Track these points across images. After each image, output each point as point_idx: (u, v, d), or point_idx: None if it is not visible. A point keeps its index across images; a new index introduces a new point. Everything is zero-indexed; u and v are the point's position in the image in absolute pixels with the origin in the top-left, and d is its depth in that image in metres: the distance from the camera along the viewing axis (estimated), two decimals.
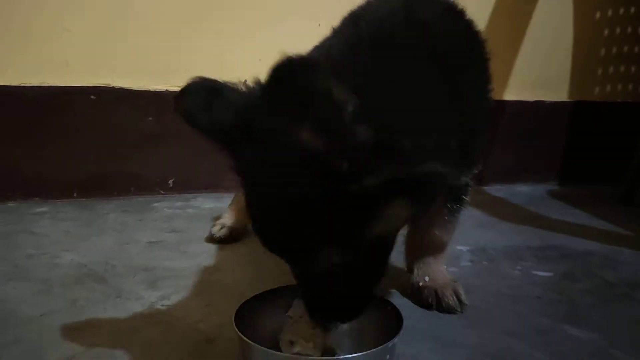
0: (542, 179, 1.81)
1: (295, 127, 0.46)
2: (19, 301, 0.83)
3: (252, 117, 0.55)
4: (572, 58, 1.78)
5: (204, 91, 0.58)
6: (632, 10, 1.78)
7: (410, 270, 0.89)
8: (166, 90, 1.42)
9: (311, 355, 0.64)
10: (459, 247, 1.12)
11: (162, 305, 0.83)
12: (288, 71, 0.43)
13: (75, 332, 0.74)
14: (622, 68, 1.84)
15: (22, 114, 1.33)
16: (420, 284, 0.85)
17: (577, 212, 1.47)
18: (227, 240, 1.10)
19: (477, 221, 1.34)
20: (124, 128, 1.42)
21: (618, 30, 1.80)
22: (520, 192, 1.70)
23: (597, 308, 0.88)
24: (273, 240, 0.58)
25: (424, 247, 0.87)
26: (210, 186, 1.47)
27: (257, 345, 0.60)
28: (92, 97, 1.38)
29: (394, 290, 0.90)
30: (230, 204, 1.18)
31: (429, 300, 0.84)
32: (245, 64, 1.54)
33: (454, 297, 0.83)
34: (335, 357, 0.64)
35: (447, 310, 0.83)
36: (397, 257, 0.92)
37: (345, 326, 0.67)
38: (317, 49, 0.67)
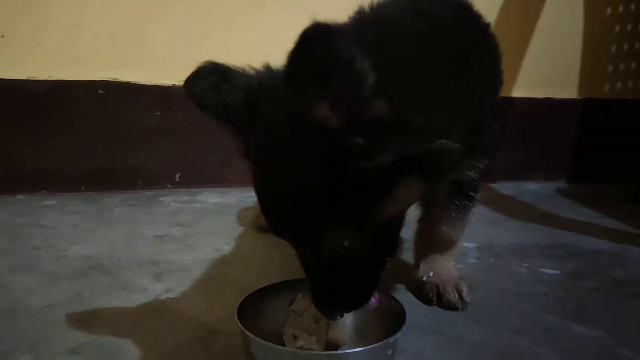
0: (551, 176, 1.80)
1: (313, 101, 0.46)
2: (26, 292, 0.83)
3: (263, 96, 0.55)
4: (581, 55, 1.77)
5: (214, 75, 0.58)
6: None
7: (417, 265, 0.88)
8: (173, 85, 1.42)
9: (314, 350, 0.64)
10: (465, 244, 1.11)
11: (167, 298, 0.84)
12: (314, 35, 0.42)
13: (80, 323, 0.75)
14: (633, 65, 1.82)
15: (30, 108, 1.34)
16: (424, 279, 0.85)
17: (586, 210, 1.46)
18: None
19: (485, 218, 1.33)
20: (131, 122, 1.42)
21: (629, 27, 1.78)
22: (528, 189, 1.69)
23: (604, 306, 0.87)
24: (282, 222, 0.57)
25: (431, 243, 0.86)
26: (217, 181, 1.47)
27: (259, 339, 0.60)
28: (99, 91, 1.38)
29: (399, 286, 0.90)
30: None
31: (430, 295, 0.83)
32: (254, 59, 1.54)
33: (455, 294, 0.82)
34: (338, 352, 0.64)
35: (448, 306, 0.82)
36: (406, 253, 0.92)
37: (348, 321, 0.67)
38: None
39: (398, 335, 0.62)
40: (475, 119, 0.65)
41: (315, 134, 0.48)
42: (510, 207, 1.45)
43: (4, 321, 0.75)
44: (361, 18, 0.64)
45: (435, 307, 0.84)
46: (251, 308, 0.66)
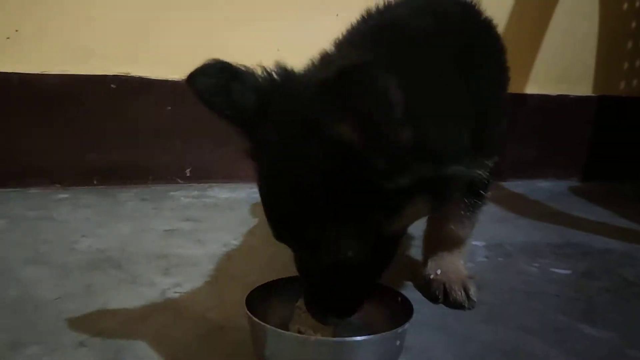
0: (564, 175, 1.78)
1: (339, 118, 0.46)
2: (37, 285, 0.84)
3: (276, 98, 0.55)
4: (597, 51, 1.74)
5: (221, 72, 0.58)
6: None
7: (424, 263, 0.88)
8: (184, 80, 1.42)
9: None
10: (475, 243, 1.10)
11: (175, 292, 0.84)
12: (352, 67, 0.43)
13: (89, 316, 0.75)
14: None
15: (44, 102, 1.35)
16: (431, 276, 0.85)
17: (598, 209, 1.44)
18: None
19: (495, 216, 1.32)
20: (143, 117, 1.43)
21: None
22: (540, 188, 1.67)
23: (615, 307, 0.86)
24: (286, 226, 0.57)
25: (440, 241, 0.86)
26: (226, 176, 1.48)
27: (268, 325, 0.60)
28: (112, 86, 1.39)
29: (407, 283, 0.90)
30: None
31: (437, 293, 0.83)
32: (264, 54, 1.54)
33: (462, 292, 0.82)
34: (347, 339, 0.63)
35: (454, 304, 0.82)
36: (416, 251, 0.92)
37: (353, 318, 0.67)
38: (344, 45, 0.65)
39: (406, 326, 0.62)
40: (483, 118, 0.65)
41: (332, 147, 0.48)
42: (521, 206, 1.44)
43: (15, 312, 0.76)
44: (383, 34, 0.63)
45: (443, 305, 0.83)
46: (258, 302, 0.67)
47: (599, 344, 0.74)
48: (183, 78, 1.57)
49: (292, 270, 0.72)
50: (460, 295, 0.82)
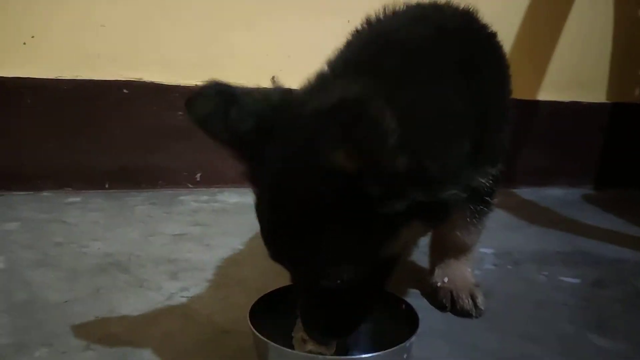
0: (577, 182, 1.76)
1: (334, 148, 0.47)
2: (46, 287, 0.85)
3: (277, 123, 0.55)
4: (611, 57, 1.72)
5: (218, 96, 0.57)
6: None
7: (431, 271, 0.88)
8: (195, 85, 1.43)
9: (323, 354, 0.64)
10: (483, 250, 1.09)
11: (182, 297, 0.85)
12: (348, 100, 0.45)
13: (96, 319, 0.76)
14: None
15: (57, 106, 1.37)
16: (438, 284, 0.84)
17: (611, 217, 1.42)
18: None
19: (504, 224, 1.31)
20: (154, 122, 1.44)
21: None
22: (552, 195, 1.65)
23: (625, 317, 0.85)
24: (283, 251, 0.58)
25: (446, 248, 0.86)
26: (236, 181, 1.47)
27: (271, 342, 0.60)
28: (124, 90, 1.41)
29: (414, 291, 0.89)
30: None
31: (444, 301, 0.83)
32: (275, 60, 1.55)
33: (470, 300, 0.81)
34: (356, 357, 0.63)
35: (461, 312, 0.81)
36: (422, 258, 0.91)
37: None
38: (340, 65, 0.64)
39: (413, 339, 0.62)
40: (485, 127, 0.64)
41: (329, 174, 0.49)
42: (532, 213, 1.42)
43: (23, 314, 0.77)
44: (384, 50, 0.63)
45: (442, 312, 0.83)
46: (263, 310, 0.67)
47: (608, 355, 0.73)
48: (194, 83, 1.59)
49: None
50: (467, 303, 0.82)
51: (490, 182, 0.73)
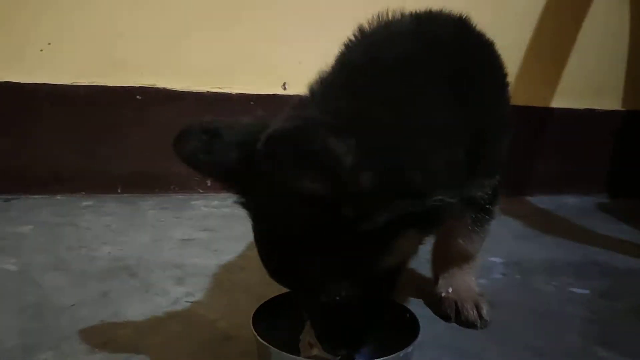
0: (592, 191, 1.73)
1: (296, 175, 0.48)
2: (56, 290, 0.87)
3: (255, 156, 0.55)
4: (626, 64, 1.69)
5: (202, 133, 0.58)
6: None
7: (436, 281, 0.87)
8: (208, 91, 1.46)
9: (327, 359, 0.64)
10: (491, 259, 1.09)
11: (187, 302, 0.86)
12: (288, 136, 0.47)
13: (102, 323, 0.78)
14: None
15: (73, 112, 1.40)
16: (443, 294, 0.84)
17: (625, 228, 1.40)
18: None
19: (515, 232, 1.30)
20: (168, 127, 1.44)
21: None
22: (567, 204, 1.63)
23: (634, 330, 0.84)
24: (280, 273, 0.59)
25: (449, 257, 0.85)
26: None
27: (272, 347, 0.60)
28: (137, 97, 1.43)
29: (418, 300, 0.89)
30: None
31: (448, 311, 0.82)
32: (286, 66, 1.57)
33: (474, 311, 0.80)
34: None
35: (466, 323, 0.81)
36: (426, 267, 0.91)
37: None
38: (318, 89, 0.63)
39: (409, 349, 0.61)
40: (480, 139, 0.64)
41: (308, 199, 0.50)
42: (544, 222, 1.41)
43: (33, 317, 0.78)
44: (366, 60, 0.64)
45: (447, 322, 0.83)
46: (266, 315, 0.67)
47: None
48: (206, 90, 1.60)
49: None
50: (472, 314, 0.81)
51: (489, 193, 0.73)
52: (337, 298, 0.57)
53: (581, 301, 0.94)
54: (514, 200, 1.58)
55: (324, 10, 1.49)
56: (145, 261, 1.01)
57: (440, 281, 0.85)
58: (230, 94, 1.47)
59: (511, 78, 1.81)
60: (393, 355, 0.60)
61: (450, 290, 0.84)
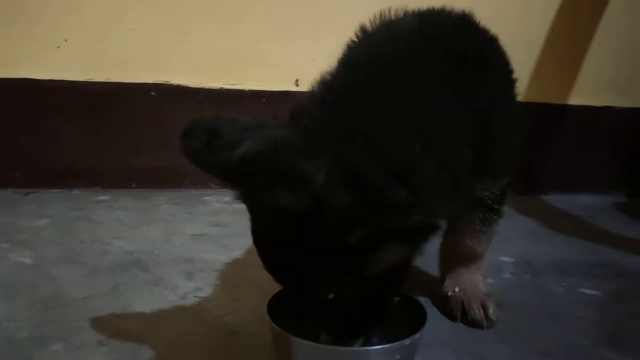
0: (609, 190, 1.70)
1: (272, 194, 0.50)
2: (67, 283, 0.89)
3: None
4: None
5: (202, 132, 0.59)
6: None
7: (442, 280, 0.87)
8: (221, 87, 1.46)
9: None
10: (502, 258, 1.08)
11: (195, 297, 0.87)
12: (258, 159, 0.50)
13: (111, 316, 0.79)
14: None
15: (88, 108, 1.42)
16: (449, 293, 0.83)
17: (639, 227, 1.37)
18: None
19: (528, 231, 1.28)
20: (181, 123, 1.46)
21: None
22: (582, 203, 1.60)
23: None
24: (277, 275, 0.60)
25: (456, 257, 0.85)
26: None
27: (294, 336, 0.61)
28: (152, 93, 1.45)
29: (425, 299, 0.88)
30: None
31: (455, 311, 0.82)
32: (299, 63, 1.57)
33: (481, 311, 0.80)
34: (366, 348, 0.64)
35: (472, 323, 0.80)
36: (433, 265, 0.91)
37: None
38: (326, 78, 0.64)
39: (407, 342, 0.62)
40: (485, 138, 0.63)
41: (284, 213, 0.51)
42: (558, 221, 1.39)
43: (45, 309, 0.80)
44: (366, 61, 0.63)
45: (453, 322, 0.82)
46: (279, 306, 0.68)
47: None
48: (220, 86, 1.61)
49: None
50: (478, 314, 0.81)
51: (497, 193, 0.72)
52: (330, 296, 0.58)
53: (590, 302, 0.93)
54: (528, 198, 1.56)
55: (338, 7, 1.48)
56: (156, 256, 1.03)
57: (447, 280, 0.85)
58: (243, 90, 1.48)
59: (527, 75, 1.77)
60: (389, 345, 0.62)
61: (457, 289, 0.83)
